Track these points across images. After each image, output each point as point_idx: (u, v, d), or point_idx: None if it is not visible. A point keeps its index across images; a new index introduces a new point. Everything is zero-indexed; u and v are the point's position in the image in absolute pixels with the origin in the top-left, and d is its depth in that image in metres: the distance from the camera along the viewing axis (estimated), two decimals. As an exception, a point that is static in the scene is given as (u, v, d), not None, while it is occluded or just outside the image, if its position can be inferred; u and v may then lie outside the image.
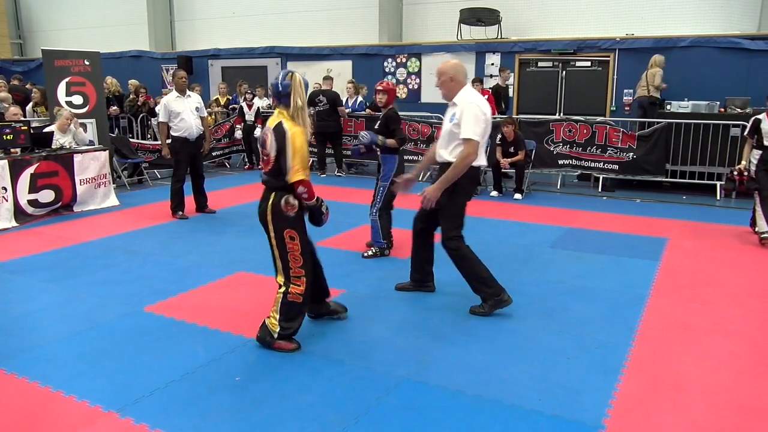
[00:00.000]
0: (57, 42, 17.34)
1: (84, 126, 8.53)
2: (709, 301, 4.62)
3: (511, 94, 11.95)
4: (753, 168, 6.27)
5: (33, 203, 7.28)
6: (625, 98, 11.52)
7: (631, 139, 9.07)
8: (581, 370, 3.48)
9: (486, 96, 10.12)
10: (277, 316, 3.69)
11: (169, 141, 7.46)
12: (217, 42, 15.76)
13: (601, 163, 9.28)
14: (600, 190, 9.28)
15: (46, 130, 8.03)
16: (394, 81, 13.57)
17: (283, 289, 3.71)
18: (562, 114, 11.23)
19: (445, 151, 4.24)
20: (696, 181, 9.01)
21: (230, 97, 12.61)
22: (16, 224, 7.02)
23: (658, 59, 10.01)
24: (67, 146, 7.88)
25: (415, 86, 13.40)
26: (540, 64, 12.19)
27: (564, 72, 11.96)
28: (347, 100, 11.14)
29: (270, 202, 3.62)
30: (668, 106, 9.43)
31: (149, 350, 3.74)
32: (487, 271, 4.30)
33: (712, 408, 3.09)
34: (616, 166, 9.19)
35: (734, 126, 8.61)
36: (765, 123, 6.17)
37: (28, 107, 10.18)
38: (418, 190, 4.41)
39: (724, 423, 2.97)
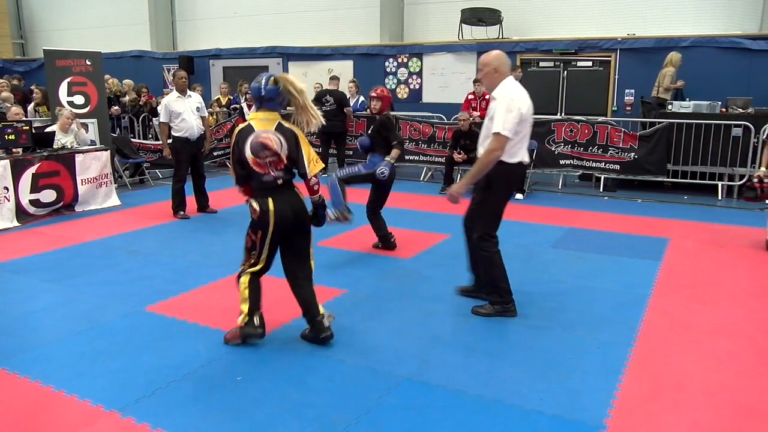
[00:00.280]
0: (58, 42, 17.35)
1: (85, 126, 8.54)
2: (710, 301, 4.62)
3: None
4: None
5: (34, 203, 7.29)
6: (626, 98, 11.50)
7: (633, 139, 9.07)
8: (582, 371, 3.48)
9: (488, 96, 10.13)
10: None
11: (170, 141, 7.46)
12: (219, 42, 15.76)
13: (603, 163, 9.27)
14: (601, 190, 9.28)
15: (48, 130, 8.04)
16: (389, 85, 13.57)
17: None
18: (563, 114, 11.23)
19: (483, 146, 4.13)
20: (697, 181, 9.00)
21: (231, 97, 12.61)
22: (18, 224, 7.03)
23: (673, 58, 9.75)
24: (69, 146, 7.89)
25: (417, 86, 13.39)
26: (541, 64, 12.18)
27: (565, 72, 11.96)
28: (348, 99, 11.14)
29: (301, 196, 3.77)
30: (669, 106, 9.41)
31: (150, 350, 3.75)
32: (506, 283, 4.25)
33: (713, 408, 3.09)
34: (617, 166, 9.18)
35: (736, 126, 8.60)
36: None
37: (30, 107, 10.19)
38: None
39: (725, 423, 2.96)
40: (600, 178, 9.38)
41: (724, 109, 9.25)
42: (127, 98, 11.50)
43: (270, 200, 3.66)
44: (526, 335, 3.97)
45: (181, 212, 7.40)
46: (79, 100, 8.97)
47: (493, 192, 4.14)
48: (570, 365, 3.54)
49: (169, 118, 7.30)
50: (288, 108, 3.76)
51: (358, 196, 6.42)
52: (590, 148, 9.28)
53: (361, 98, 11.17)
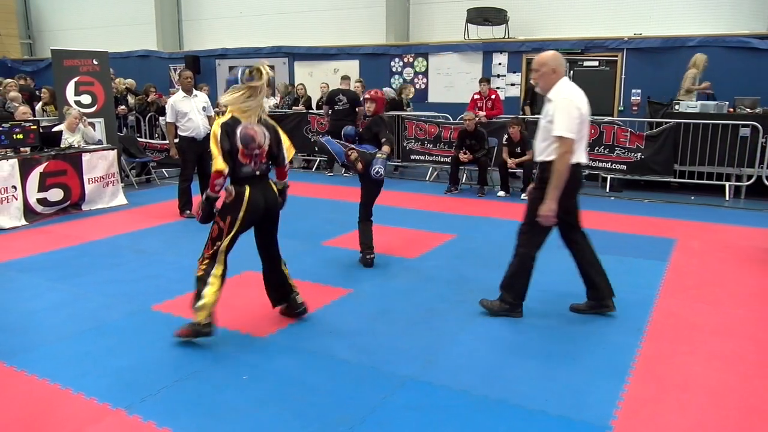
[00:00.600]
0: (66, 42, 17.42)
1: (92, 125, 8.57)
2: (716, 302, 4.60)
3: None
4: None
5: (42, 202, 7.33)
6: (632, 98, 11.47)
7: (639, 139, 9.03)
8: (588, 371, 3.47)
9: (494, 96, 10.12)
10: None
11: (176, 140, 7.48)
12: (225, 42, 15.80)
13: (609, 163, 9.24)
14: (607, 190, 9.25)
15: (55, 129, 8.08)
16: (394, 85, 13.56)
17: (287, 268, 4.19)
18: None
19: (539, 149, 4.03)
20: (704, 181, 8.96)
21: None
22: (26, 223, 7.06)
23: (697, 59, 9.55)
24: (76, 145, 7.93)
25: (422, 86, 13.38)
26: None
27: (571, 72, 11.92)
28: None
29: (276, 191, 3.95)
30: (676, 106, 9.37)
31: (156, 348, 3.76)
32: (525, 287, 4.20)
33: (720, 409, 3.08)
34: (623, 167, 9.15)
35: (743, 126, 8.55)
36: None
37: (38, 107, 10.25)
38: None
39: (732, 424, 2.95)
40: (606, 178, 9.35)
41: (731, 109, 9.20)
42: (129, 96, 11.53)
43: (247, 188, 3.78)
44: (531, 335, 3.96)
45: (188, 211, 7.42)
46: (86, 99, 9.00)
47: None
48: (575, 366, 3.54)
49: (175, 117, 7.32)
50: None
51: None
52: (596, 148, 9.25)
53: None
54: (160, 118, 11.13)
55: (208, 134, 7.47)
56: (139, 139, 10.61)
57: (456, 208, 8.01)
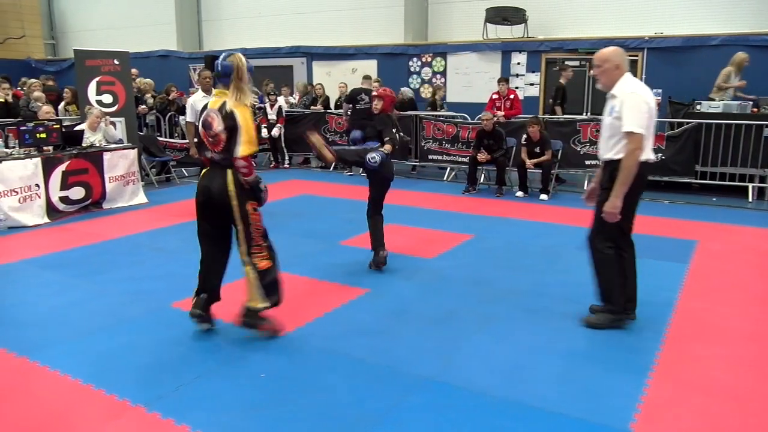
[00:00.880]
0: (88, 42, 17.65)
1: (113, 124, 8.67)
2: (739, 304, 4.53)
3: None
4: None
5: (64, 200, 7.43)
6: (654, 98, 11.33)
7: (660, 140, 8.93)
8: (607, 373, 3.44)
9: (512, 95, 10.06)
10: (258, 295, 3.80)
11: (196, 140, 7.53)
12: (244, 42, 15.88)
13: (629, 164, 9.14)
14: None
15: (77, 128, 8.19)
16: (412, 85, 13.55)
17: (250, 267, 3.82)
18: (589, 114, 11.09)
19: (606, 147, 3.91)
20: (726, 182, 8.83)
21: (256, 97, 12.71)
22: (48, 220, 7.17)
23: (735, 57, 9.34)
24: (97, 144, 8.03)
25: (441, 85, 13.35)
26: (566, 63, 12.06)
27: (591, 71, 11.81)
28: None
29: (228, 178, 3.68)
30: (698, 106, 9.25)
31: (176, 346, 3.80)
32: (617, 289, 4.01)
33: (741, 414, 3.03)
34: (643, 167, 9.04)
35: (767, 126, 8.42)
36: None
37: (60, 106, 10.39)
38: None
39: (753, 429, 2.91)
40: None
41: (755, 109, 9.06)
42: (148, 97, 11.64)
43: (201, 174, 3.81)
44: (550, 336, 3.93)
45: None
46: (107, 99, 9.11)
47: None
48: (595, 367, 3.51)
49: (195, 117, 7.36)
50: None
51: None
52: (616, 148, 9.15)
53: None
54: (180, 117, 11.23)
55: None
56: (159, 138, 10.71)
57: (474, 209, 7.99)
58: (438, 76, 13.39)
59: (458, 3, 13.44)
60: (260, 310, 3.83)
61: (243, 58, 3.68)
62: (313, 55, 14.87)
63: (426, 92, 13.48)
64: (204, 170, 3.86)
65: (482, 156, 8.98)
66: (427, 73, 13.52)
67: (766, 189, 8.60)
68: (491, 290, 4.81)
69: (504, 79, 10.45)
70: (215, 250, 3.96)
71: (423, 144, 10.61)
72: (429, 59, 13.45)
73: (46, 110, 8.50)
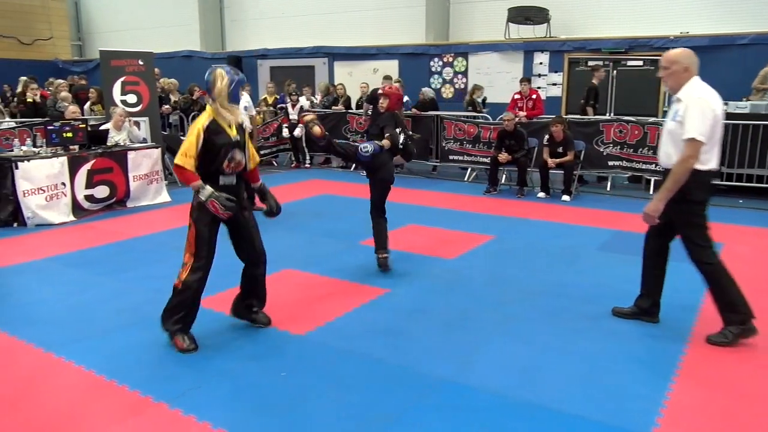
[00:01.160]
0: (113, 43, 17.91)
1: (137, 124, 8.79)
2: (765, 308, 4.44)
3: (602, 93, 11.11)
4: None
5: (89, 198, 7.55)
6: (722, 104, 11.14)
7: (685, 141, 8.80)
8: (629, 376, 3.40)
9: (534, 95, 10.00)
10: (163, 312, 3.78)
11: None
12: (266, 42, 16.00)
13: (653, 165, 9.03)
14: (651, 192, 9.03)
15: (102, 127, 8.32)
16: (434, 85, 13.51)
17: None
18: (612, 114, 10.97)
19: (667, 154, 3.76)
20: (754, 184, 8.67)
21: (278, 97, 12.79)
22: (74, 218, 7.29)
23: None
24: (122, 143, 8.14)
25: (462, 85, 13.31)
26: (589, 63, 11.95)
27: (615, 71, 11.70)
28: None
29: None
30: (725, 107, 9.08)
31: (198, 343, 3.83)
32: (738, 294, 3.78)
33: (767, 419, 2.98)
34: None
35: (796, 128, 8.26)
36: None
37: (86, 106, 10.56)
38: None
39: (780, 436, 2.86)
40: (650, 180, 9.14)
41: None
42: (172, 98, 11.78)
43: None
44: (570, 338, 3.90)
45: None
46: (131, 98, 9.24)
47: (689, 205, 3.71)
48: (616, 370, 3.47)
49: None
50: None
51: (403, 195, 6.42)
52: (640, 149, 9.06)
53: (405, 98, 11.16)
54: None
55: (250, 133, 7.61)
56: (182, 137, 10.82)
57: (494, 209, 7.95)
58: (459, 76, 13.35)
59: (480, 3, 13.39)
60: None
61: (223, 74, 3.62)
62: (335, 55, 14.92)
63: (447, 92, 13.46)
64: None
65: (503, 156, 8.94)
66: (448, 73, 13.49)
67: (795, 191, 8.43)
68: (511, 291, 4.78)
69: (526, 79, 10.38)
70: None
71: (444, 144, 10.58)
72: (450, 59, 13.41)
73: (72, 110, 8.64)
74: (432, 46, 13.56)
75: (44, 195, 7.04)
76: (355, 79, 13.49)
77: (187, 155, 3.61)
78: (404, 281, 5.03)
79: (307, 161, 11.92)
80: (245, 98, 7.75)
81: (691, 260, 3.88)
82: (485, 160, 9.90)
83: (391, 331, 4.04)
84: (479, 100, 11.20)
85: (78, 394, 3.23)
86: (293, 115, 11.48)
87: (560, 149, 8.62)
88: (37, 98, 10.80)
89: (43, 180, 7.03)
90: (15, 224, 6.91)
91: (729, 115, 8.81)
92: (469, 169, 10.55)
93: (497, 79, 12.78)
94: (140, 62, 9.36)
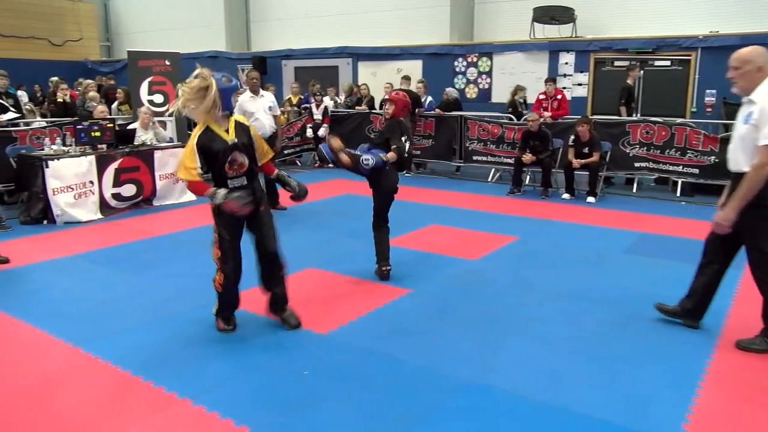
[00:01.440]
0: (141, 43, 18.15)
1: (163, 123, 8.90)
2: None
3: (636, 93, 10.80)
4: None
5: (116, 197, 7.66)
6: (707, 99, 10.99)
7: (713, 142, 8.65)
8: (655, 380, 3.35)
9: (560, 96, 9.91)
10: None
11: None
12: (291, 42, 16.09)
13: (680, 167, 8.90)
14: (678, 194, 8.90)
15: (130, 127, 8.44)
16: (458, 85, 13.46)
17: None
18: (639, 115, 10.83)
19: (737, 159, 3.58)
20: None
21: (302, 97, 12.86)
22: (101, 216, 7.41)
23: None
24: (148, 143, 8.25)
25: (486, 86, 13.25)
26: (616, 63, 11.80)
27: (642, 71, 11.53)
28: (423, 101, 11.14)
29: None
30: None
31: (222, 341, 3.87)
32: None
33: (799, 428, 2.92)
34: (695, 170, 8.79)
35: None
36: None
37: (114, 106, 10.73)
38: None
39: (812, 444, 2.79)
40: (677, 182, 9.00)
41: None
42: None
43: None
44: (595, 342, 3.86)
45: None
46: (158, 98, 9.37)
47: (763, 210, 3.51)
48: (642, 374, 3.42)
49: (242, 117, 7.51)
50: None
51: (426, 195, 6.40)
52: (667, 150, 8.92)
53: (429, 98, 11.16)
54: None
55: (274, 132, 7.66)
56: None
57: (518, 210, 7.89)
58: (483, 76, 13.29)
59: (505, 2, 13.31)
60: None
61: (212, 85, 3.67)
62: (359, 55, 14.95)
63: (471, 92, 13.40)
64: None
65: (528, 157, 8.87)
66: (472, 73, 13.43)
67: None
68: (535, 293, 4.74)
69: (551, 79, 10.29)
70: None
71: (467, 145, 10.54)
72: (475, 59, 13.35)
73: (100, 110, 8.78)
74: (456, 46, 13.52)
75: (73, 193, 7.17)
76: (379, 80, 13.50)
77: (186, 167, 3.71)
78: (427, 282, 5.02)
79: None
80: (270, 98, 7.79)
81: (752, 271, 3.70)
82: (509, 160, 9.84)
83: (413, 331, 4.03)
84: (521, 100, 11.10)
85: (105, 389, 3.28)
86: (317, 115, 11.53)
87: (586, 150, 8.53)
88: (67, 98, 10.99)
89: (72, 178, 7.16)
90: (45, 221, 7.04)
91: None
92: (493, 170, 10.50)
93: (522, 80, 12.66)
94: (167, 62, 9.49)
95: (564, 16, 12.13)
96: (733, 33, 10.65)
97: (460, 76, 13.58)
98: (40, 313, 4.34)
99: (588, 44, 11.94)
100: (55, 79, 12.67)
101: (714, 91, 10.83)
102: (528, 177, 9.68)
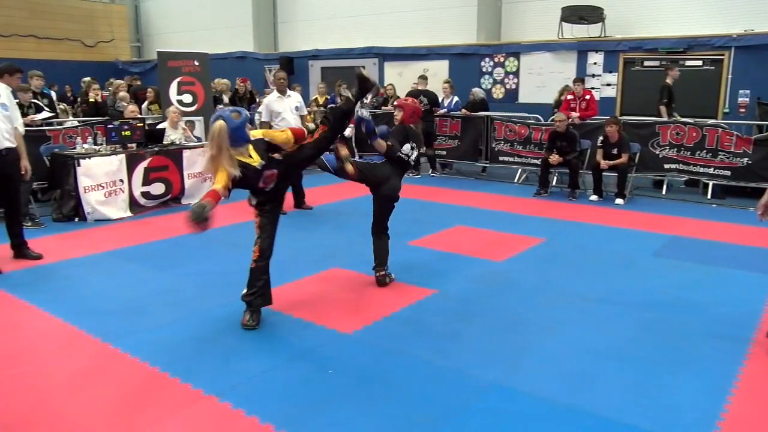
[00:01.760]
0: (170, 44, 18.39)
1: (191, 123, 9.02)
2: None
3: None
4: None
5: (145, 195, 7.78)
6: (740, 99, 10.76)
7: (746, 144, 8.47)
8: (684, 386, 3.29)
9: (588, 96, 9.78)
10: None
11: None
12: (317, 43, 16.16)
13: (711, 169, 8.72)
14: (709, 197, 8.73)
15: (159, 126, 8.57)
16: (484, 85, 13.39)
17: None
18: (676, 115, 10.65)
19: None
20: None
21: (329, 97, 12.91)
22: (131, 214, 7.53)
23: None
24: (177, 142, 8.36)
25: (513, 86, 13.15)
26: (646, 63, 11.62)
27: (665, 72, 11.32)
28: (443, 99, 11.10)
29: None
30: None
31: (247, 339, 3.91)
32: None
33: (834, 437, 2.84)
34: (727, 172, 8.61)
35: None
36: None
37: (144, 105, 10.90)
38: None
39: None
40: (708, 184, 8.83)
41: None
42: (225, 98, 12.07)
43: None
44: (622, 346, 3.80)
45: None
46: (187, 98, 9.49)
47: None
48: (672, 379, 3.36)
49: (270, 117, 7.59)
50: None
51: (451, 196, 6.37)
52: (698, 152, 8.76)
53: (456, 98, 11.11)
54: (256, 115, 11.54)
55: (310, 131, 7.73)
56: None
57: (545, 212, 7.82)
58: (510, 76, 13.19)
59: (533, 2, 13.19)
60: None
61: (222, 127, 3.71)
62: (385, 55, 14.95)
63: (498, 93, 13.32)
64: None
65: (555, 158, 8.78)
66: (499, 73, 13.34)
67: None
68: (561, 296, 4.69)
69: (579, 79, 10.16)
70: None
71: (493, 145, 10.47)
72: (502, 59, 13.26)
73: (131, 109, 8.93)
74: (483, 46, 13.44)
75: (103, 191, 7.30)
76: (405, 80, 13.49)
77: (219, 183, 3.81)
78: (452, 282, 5.00)
79: (356, 161, 11.97)
80: (297, 98, 7.85)
81: None
82: (536, 161, 9.76)
83: (438, 332, 4.02)
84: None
85: (132, 385, 3.33)
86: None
87: (615, 151, 8.41)
88: (99, 98, 11.20)
89: (103, 177, 7.29)
90: (76, 219, 7.18)
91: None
92: (519, 171, 10.41)
93: (550, 80, 12.56)
94: (196, 63, 9.60)
95: (593, 15, 11.97)
96: (768, 32, 10.41)
97: (486, 77, 13.50)
98: (71, 309, 4.43)
99: (617, 44, 11.78)
100: (87, 79, 12.91)
101: (748, 91, 10.59)
102: (555, 178, 9.58)
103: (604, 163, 8.41)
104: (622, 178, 8.41)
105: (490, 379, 3.37)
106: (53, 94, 11.04)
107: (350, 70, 15.03)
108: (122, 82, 12.14)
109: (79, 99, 13.01)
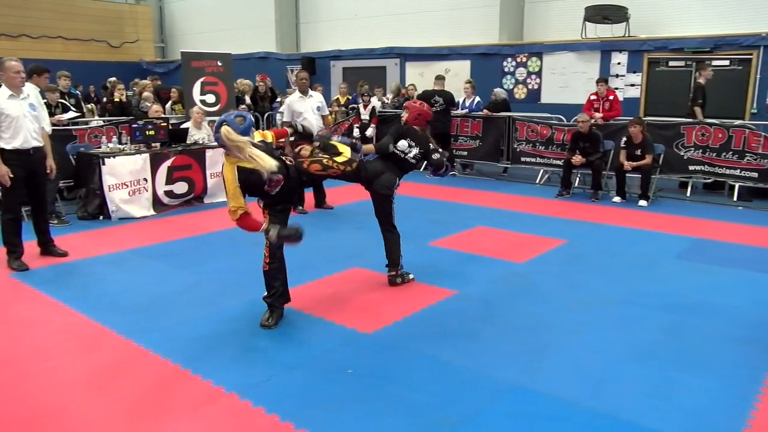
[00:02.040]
0: (194, 44, 18.56)
1: (214, 123, 9.09)
2: None
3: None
4: None
5: (169, 194, 7.87)
6: (768, 100, 10.56)
7: (773, 145, 8.31)
8: (708, 392, 3.24)
9: (611, 96, 9.68)
10: None
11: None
12: (339, 43, 16.21)
13: (738, 171, 8.58)
14: (735, 199, 8.59)
15: (183, 126, 8.66)
16: (506, 85, 13.31)
17: None
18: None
19: None
20: None
21: (350, 97, 12.94)
22: (154, 213, 7.62)
23: None
24: (200, 142, 8.44)
25: (536, 86, 13.06)
26: (671, 63, 11.47)
27: (698, 72, 11.16)
28: (464, 100, 11.06)
29: None
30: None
31: (269, 337, 3.94)
32: None
33: None
34: (755, 174, 8.46)
35: None
36: None
37: (167, 105, 11.03)
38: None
39: None
40: (734, 186, 8.68)
41: None
42: (247, 98, 12.16)
43: None
44: (646, 349, 3.76)
45: (300, 207, 7.69)
46: (210, 98, 9.58)
47: None
48: (697, 384, 3.31)
49: (291, 117, 7.63)
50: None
51: (471, 196, 6.35)
52: (724, 153, 8.61)
53: (477, 98, 11.06)
54: (277, 116, 11.62)
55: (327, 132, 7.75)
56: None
57: (567, 213, 7.75)
58: (533, 76, 13.10)
59: (556, 1, 13.08)
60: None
61: (229, 131, 3.73)
62: (407, 56, 14.94)
63: (520, 93, 13.24)
64: None
65: (577, 159, 8.70)
66: (521, 73, 13.26)
67: None
68: (583, 297, 4.65)
69: (603, 79, 10.06)
70: None
71: (515, 146, 10.41)
72: (524, 59, 13.18)
73: (155, 109, 9.04)
74: (505, 46, 13.36)
75: (127, 190, 7.40)
76: (427, 80, 13.45)
77: (234, 209, 3.86)
78: (472, 283, 4.98)
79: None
80: (318, 98, 7.88)
81: None
82: (558, 162, 9.68)
83: (458, 333, 4.01)
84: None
85: (155, 381, 3.37)
86: (364, 116, 11.57)
87: (638, 152, 8.32)
88: (124, 98, 11.36)
89: (127, 175, 7.39)
90: (101, 217, 7.29)
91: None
92: (541, 171, 10.34)
93: (573, 80, 12.46)
94: (219, 63, 9.69)
95: (617, 15, 11.84)
96: (798, 31, 10.21)
97: (508, 77, 13.42)
98: (95, 305, 4.50)
99: (642, 44, 11.64)
100: (113, 79, 13.10)
101: (776, 91, 10.40)
102: (577, 179, 9.50)
103: (627, 164, 8.32)
104: (646, 179, 8.30)
105: (510, 380, 3.36)
106: (79, 94, 11.23)
107: (372, 71, 15.14)
108: (147, 82, 12.30)
109: (104, 98, 13.21)
